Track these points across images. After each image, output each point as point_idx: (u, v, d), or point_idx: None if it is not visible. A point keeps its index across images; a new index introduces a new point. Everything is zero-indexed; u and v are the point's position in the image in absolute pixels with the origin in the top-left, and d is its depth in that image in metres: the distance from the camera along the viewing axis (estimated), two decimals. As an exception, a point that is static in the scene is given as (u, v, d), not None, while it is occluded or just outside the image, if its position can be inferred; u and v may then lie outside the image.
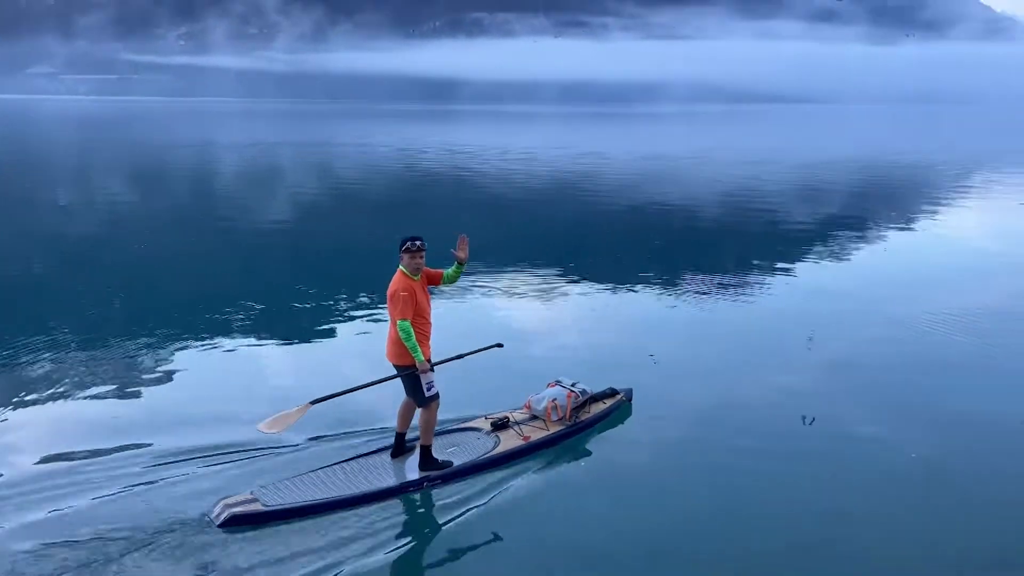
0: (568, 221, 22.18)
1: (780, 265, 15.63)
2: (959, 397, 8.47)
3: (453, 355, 6.83)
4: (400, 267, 6.31)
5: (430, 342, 6.43)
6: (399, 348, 6.24)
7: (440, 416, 6.60)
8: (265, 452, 6.83)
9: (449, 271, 6.53)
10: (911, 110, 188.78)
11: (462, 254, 6.50)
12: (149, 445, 6.93)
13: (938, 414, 7.99)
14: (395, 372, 6.48)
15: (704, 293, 12.91)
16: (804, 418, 7.80)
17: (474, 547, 5.59)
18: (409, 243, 6.25)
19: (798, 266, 15.71)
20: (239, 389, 8.50)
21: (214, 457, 6.71)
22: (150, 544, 5.42)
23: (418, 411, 6.48)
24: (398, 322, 6.10)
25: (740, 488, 6.39)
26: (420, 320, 6.30)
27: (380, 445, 6.83)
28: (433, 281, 6.54)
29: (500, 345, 7.33)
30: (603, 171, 36.00)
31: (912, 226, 21.00)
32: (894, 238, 19.05)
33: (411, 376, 6.31)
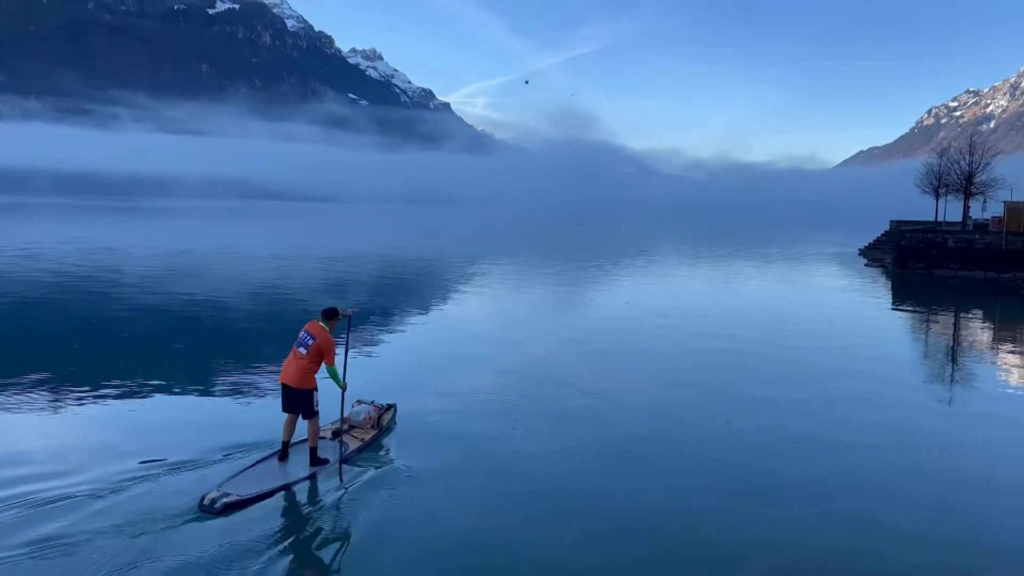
0: (78, 321, 20.44)
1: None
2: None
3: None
4: (322, 323, 9.30)
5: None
6: (302, 375, 9.05)
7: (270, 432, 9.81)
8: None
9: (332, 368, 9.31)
10: (412, 210, 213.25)
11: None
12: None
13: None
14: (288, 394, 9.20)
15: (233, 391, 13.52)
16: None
17: (352, 506, 8.41)
18: (340, 312, 9.54)
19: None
20: None
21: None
22: (169, 528, 7.44)
23: (306, 422, 9.20)
24: (331, 367, 9.20)
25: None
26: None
27: (269, 452, 9.42)
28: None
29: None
30: (124, 267, 33.97)
31: (427, 310, 24.40)
32: (414, 321, 21.90)
33: (306, 397, 9.10)
